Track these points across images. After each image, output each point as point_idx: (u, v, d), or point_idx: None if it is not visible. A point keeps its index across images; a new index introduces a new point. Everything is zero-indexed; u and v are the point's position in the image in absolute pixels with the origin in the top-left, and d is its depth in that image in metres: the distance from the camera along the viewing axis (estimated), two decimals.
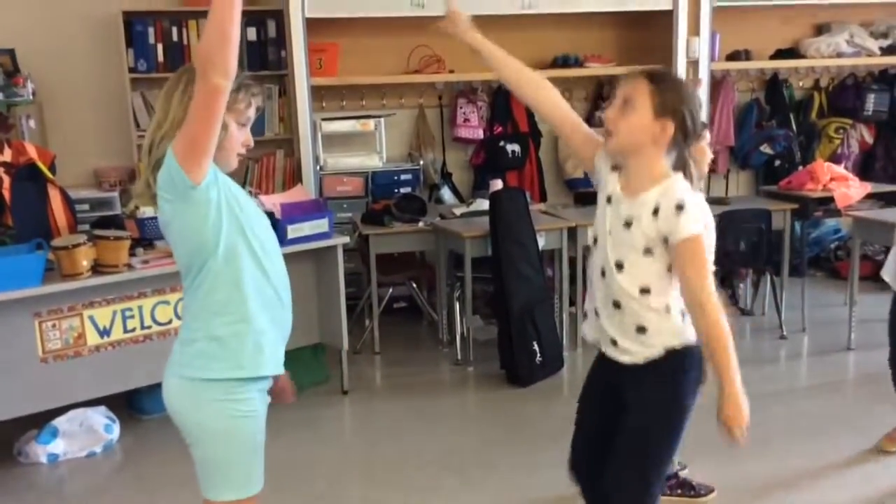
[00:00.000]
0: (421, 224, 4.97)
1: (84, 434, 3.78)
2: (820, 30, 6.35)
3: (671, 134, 2.08)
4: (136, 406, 4.11)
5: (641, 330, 2.12)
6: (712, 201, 5.27)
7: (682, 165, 2.14)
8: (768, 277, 5.20)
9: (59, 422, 3.74)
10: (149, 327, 3.81)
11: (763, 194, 5.76)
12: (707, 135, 3.33)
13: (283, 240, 3.96)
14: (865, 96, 6.32)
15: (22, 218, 3.85)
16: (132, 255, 3.74)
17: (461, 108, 5.90)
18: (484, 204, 4.83)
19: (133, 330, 3.78)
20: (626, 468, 2.18)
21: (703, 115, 5.45)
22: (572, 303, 5.02)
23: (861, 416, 3.95)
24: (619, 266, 2.11)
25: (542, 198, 5.94)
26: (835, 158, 6.18)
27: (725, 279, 5.56)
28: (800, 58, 6.20)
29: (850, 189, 5.18)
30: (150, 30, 5.34)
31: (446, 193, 5.82)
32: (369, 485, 3.51)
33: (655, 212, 2.06)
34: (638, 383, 2.16)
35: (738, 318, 5.41)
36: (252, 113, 2.09)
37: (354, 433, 4.12)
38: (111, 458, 3.79)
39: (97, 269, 3.59)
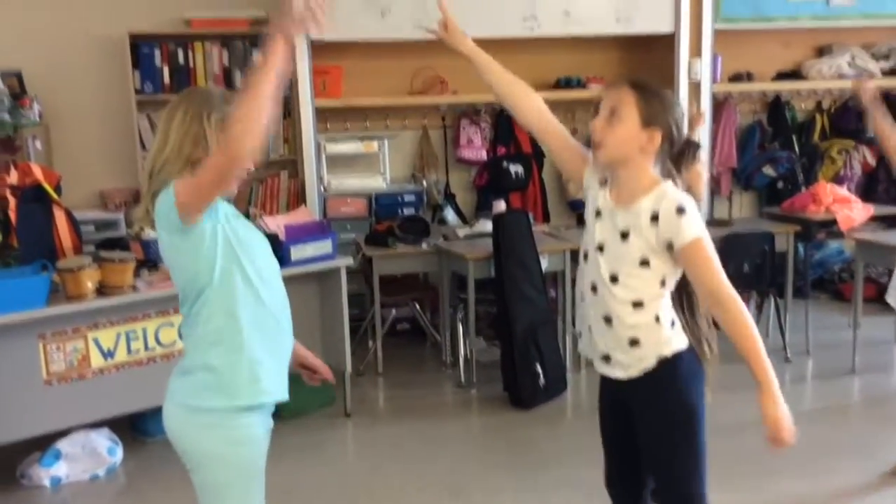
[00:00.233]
0: (424, 245, 4.98)
1: (87, 457, 3.77)
2: (821, 52, 6.38)
3: (659, 143, 2.10)
4: (139, 428, 4.11)
5: (634, 342, 2.13)
6: (716, 223, 5.35)
7: (669, 174, 2.15)
8: (772, 300, 5.19)
9: (62, 444, 3.73)
10: (152, 349, 3.82)
11: (766, 216, 5.76)
12: (702, 156, 3.35)
13: (286, 261, 3.97)
14: (868, 118, 6.33)
15: (27, 239, 3.86)
16: (137, 276, 3.75)
17: (464, 129, 5.93)
18: (487, 225, 4.84)
19: (137, 352, 3.78)
20: (664, 484, 2.22)
21: (705, 137, 5.57)
22: (575, 325, 5.01)
23: (867, 440, 3.93)
24: (614, 279, 2.12)
25: (546, 219, 5.96)
26: (837, 180, 6.19)
27: None
28: (801, 80, 6.22)
29: (853, 211, 5.19)
30: (157, 52, 5.37)
31: (450, 215, 5.83)
32: None
33: (654, 218, 2.06)
34: (639, 396, 2.18)
35: None
36: None
37: (357, 456, 4.10)
38: (114, 481, 3.78)
39: (102, 290, 3.60)
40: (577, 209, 5.97)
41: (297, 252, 4.10)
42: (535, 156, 6.01)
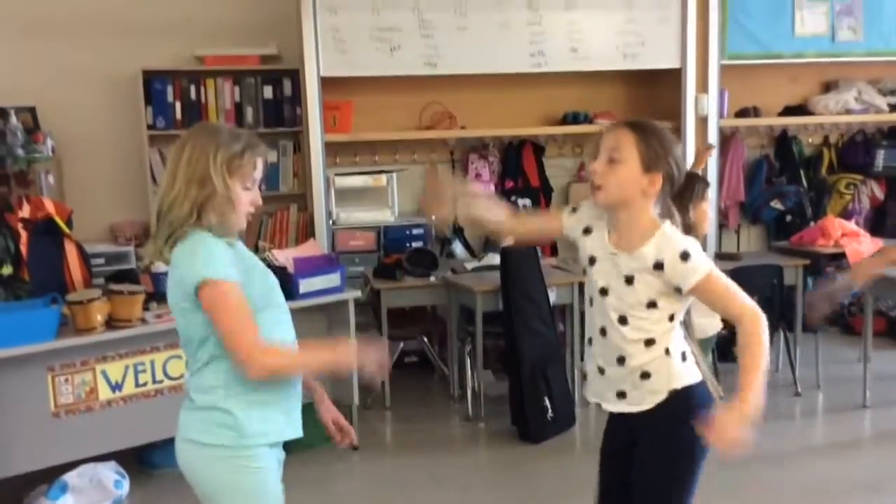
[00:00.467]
0: (432, 278, 4.99)
1: (93, 490, 3.75)
2: (828, 87, 6.41)
3: (660, 186, 2.10)
4: (146, 461, 4.10)
5: (646, 376, 2.13)
6: (724, 257, 5.34)
7: (668, 213, 2.16)
8: (782, 333, 5.17)
9: (69, 477, 3.72)
10: (160, 382, 3.82)
11: (774, 250, 5.76)
12: (709, 195, 3.36)
13: (295, 294, 3.99)
14: (875, 152, 6.35)
15: (38, 272, 3.90)
16: (146, 309, 3.78)
17: (473, 163, 5.97)
18: (495, 258, 4.85)
19: (145, 384, 3.79)
20: None
21: (713, 172, 5.59)
22: (584, 358, 5.00)
23: (878, 474, 3.89)
24: (623, 321, 2.13)
25: (554, 252, 5.96)
26: (846, 214, 6.19)
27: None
28: (808, 114, 6.25)
29: (861, 245, 5.18)
30: (169, 88, 5.45)
31: (458, 248, 5.85)
32: None
33: (658, 266, 2.07)
34: (648, 428, 2.17)
35: None
36: (259, 174, 2.10)
37: (365, 490, 4.08)
38: None
39: (111, 323, 3.62)
40: None
41: (305, 285, 4.12)
42: (542, 189, 6.04)
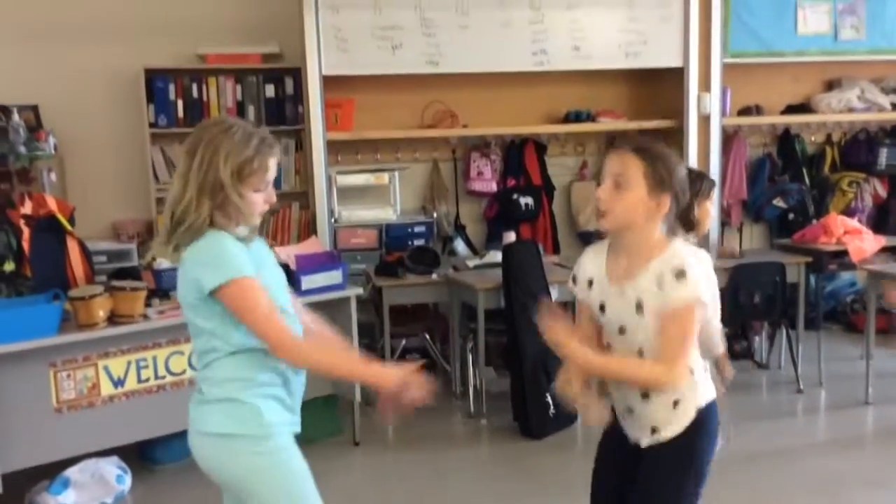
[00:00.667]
0: (434, 276, 4.99)
1: (96, 485, 3.76)
2: (830, 86, 6.41)
3: (667, 208, 2.09)
4: (148, 456, 4.11)
5: (677, 403, 2.12)
6: (727, 255, 5.32)
7: (672, 232, 2.15)
8: (784, 331, 5.17)
9: (72, 472, 3.73)
10: (163, 377, 3.83)
11: (777, 248, 5.76)
12: (713, 195, 3.35)
13: (297, 291, 3.99)
14: (878, 151, 6.35)
15: (40, 269, 3.90)
16: (148, 305, 3.78)
17: (474, 161, 5.97)
18: (497, 256, 4.85)
19: (147, 380, 3.79)
20: None
21: (715, 170, 5.58)
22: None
23: (881, 471, 3.89)
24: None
25: (556, 250, 5.97)
26: (848, 212, 6.18)
27: (741, 332, 5.54)
28: (811, 113, 6.25)
29: (864, 242, 5.18)
30: (171, 86, 5.46)
31: (460, 246, 5.85)
32: None
33: (660, 284, 2.05)
34: (665, 445, 2.15)
35: (753, 371, 5.37)
36: (271, 175, 2.10)
37: (366, 485, 4.08)
38: None
39: (113, 319, 3.62)
40: (586, 240, 5.96)
41: (307, 282, 4.13)
42: (545, 188, 6.04)
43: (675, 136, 5.71)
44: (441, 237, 5.91)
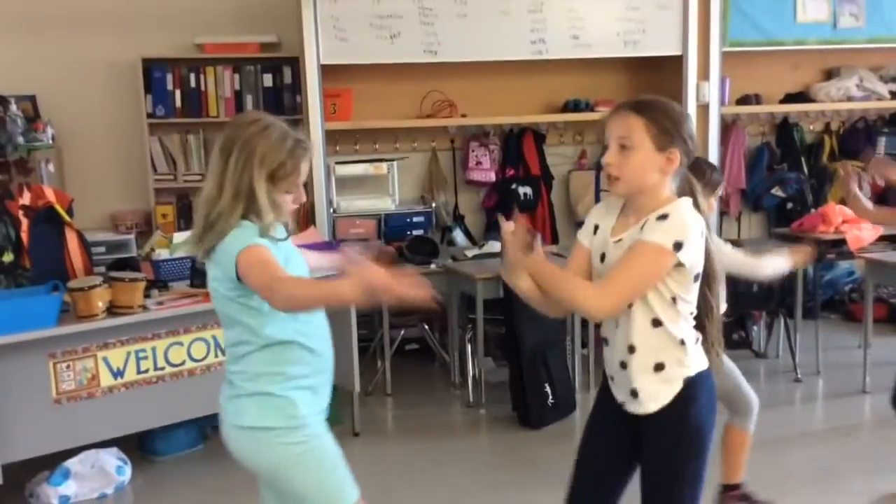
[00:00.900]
0: (433, 266, 5.00)
1: (96, 475, 3.77)
2: (829, 74, 6.39)
3: (677, 160, 2.04)
4: (147, 447, 4.12)
5: (659, 367, 2.08)
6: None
7: (689, 189, 2.10)
8: (782, 320, 5.18)
9: (72, 463, 3.74)
10: (162, 368, 3.83)
11: (775, 237, 5.75)
12: (721, 190, 3.35)
13: None
14: (877, 139, 6.33)
15: (39, 260, 3.90)
16: (147, 296, 3.78)
17: (473, 151, 5.96)
18: (496, 246, 4.86)
19: (146, 371, 3.80)
20: (660, 498, 2.16)
21: (713, 159, 5.57)
22: (584, 345, 5.02)
23: (878, 460, 3.90)
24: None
25: (554, 240, 5.97)
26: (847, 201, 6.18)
27: (739, 321, 5.54)
28: (810, 102, 6.24)
29: (862, 231, 5.17)
30: (169, 76, 5.45)
31: (458, 236, 5.85)
32: None
33: (643, 226, 2.03)
34: (659, 420, 2.11)
35: (751, 360, 5.38)
36: (303, 177, 2.12)
37: (365, 476, 4.04)
38: (122, 499, 3.78)
39: (112, 310, 3.62)
40: None
41: None
42: (543, 177, 6.04)
43: None
44: (440, 227, 5.91)
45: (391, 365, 5.04)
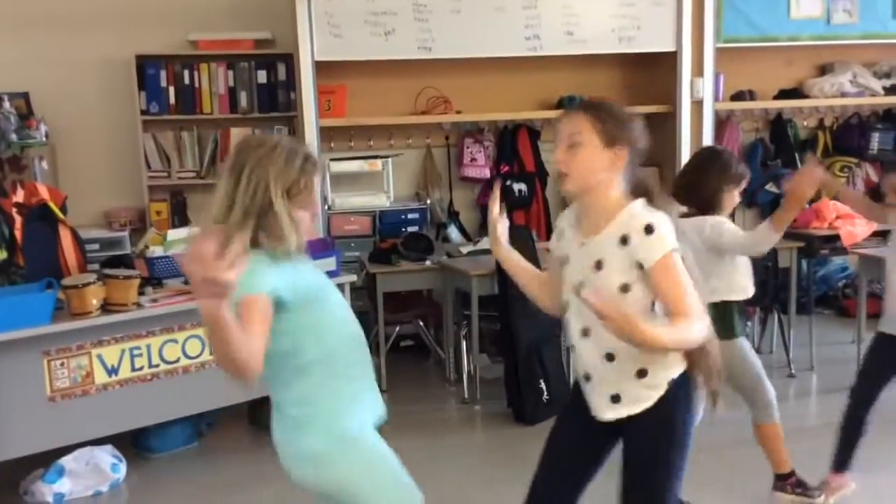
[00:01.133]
0: (428, 263, 5.00)
1: (90, 473, 3.77)
2: (823, 70, 6.40)
3: (625, 158, 2.10)
4: (142, 444, 4.11)
5: (642, 373, 2.10)
6: None
7: (642, 190, 2.14)
8: (776, 315, 5.19)
9: (66, 461, 3.74)
10: (156, 365, 3.83)
11: None
12: (745, 183, 3.38)
13: None
14: (870, 135, 6.36)
15: (33, 257, 3.90)
16: (141, 294, 3.78)
17: (468, 147, 5.96)
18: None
19: (141, 368, 3.80)
20: (640, 495, 2.17)
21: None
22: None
23: (871, 455, 3.90)
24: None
25: (549, 236, 5.95)
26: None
27: None
28: (803, 98, 6.25)
29: (855, 227, 5.20)
30: (162, 73, 5.44)
31: (453, 232, 5.86)
32: None
33: (623, 241, 2.05)
34: (642, 420, 2.13)
35: None
36: (316, 193, 2.11)
37: None
38: (117, 497, 3.78)
39: (106, 307, 3.62)
40: None
41: None
42: (538, 174, 6.05)
43: (669, 121, 5.72)
44: (434, 223, 5.91)
45: (386, 361, 5.04)
